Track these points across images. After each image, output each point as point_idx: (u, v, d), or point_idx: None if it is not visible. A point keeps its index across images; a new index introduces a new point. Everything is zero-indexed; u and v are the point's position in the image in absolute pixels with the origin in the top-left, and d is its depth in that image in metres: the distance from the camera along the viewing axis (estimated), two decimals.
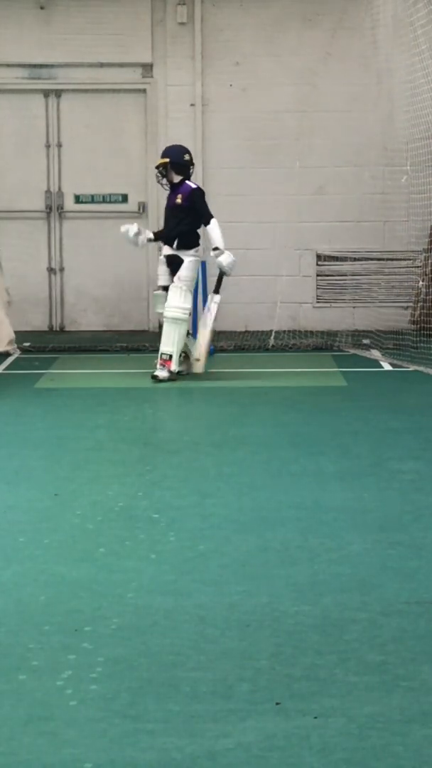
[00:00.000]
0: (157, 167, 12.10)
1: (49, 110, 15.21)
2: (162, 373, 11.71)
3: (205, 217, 11.92)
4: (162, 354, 11.76)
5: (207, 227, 11.90)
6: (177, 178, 11.99)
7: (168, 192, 12.16)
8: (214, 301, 12.05)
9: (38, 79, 15.14)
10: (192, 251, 11.91)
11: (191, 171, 12.16)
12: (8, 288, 13.66)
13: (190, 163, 12.10)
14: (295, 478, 7.97)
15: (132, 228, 12.13)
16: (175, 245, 11.90)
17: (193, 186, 12.03)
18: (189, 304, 11.82)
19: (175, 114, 15.00)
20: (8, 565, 6.22)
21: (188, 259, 11.86)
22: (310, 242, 15.00)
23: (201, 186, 12.40)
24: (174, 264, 11.89)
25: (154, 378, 11.71)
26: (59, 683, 4.71)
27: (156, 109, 15.08)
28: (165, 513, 7.15)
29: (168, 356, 11.71)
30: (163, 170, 12.02)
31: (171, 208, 12.05)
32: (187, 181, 12.02)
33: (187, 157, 12.04)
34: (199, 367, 12.03)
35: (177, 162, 11.96)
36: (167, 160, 11.98)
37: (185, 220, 11.92)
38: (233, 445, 9.06)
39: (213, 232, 11.85)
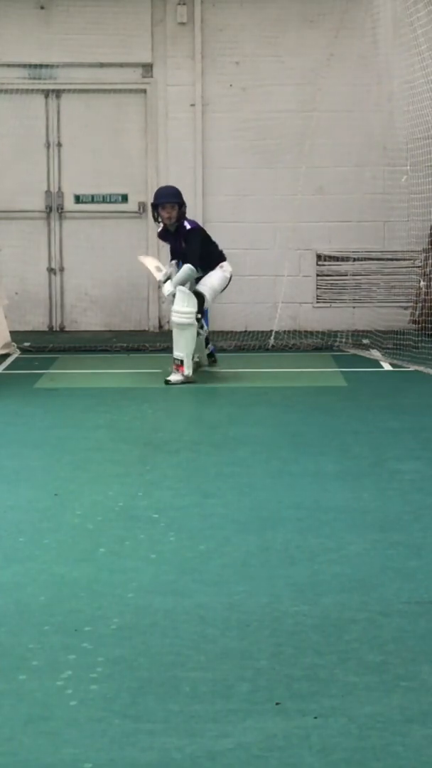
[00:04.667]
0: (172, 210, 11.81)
1: (49, 110, 15.21)
2: (175, 377, 11.67)
3: (189, 257, 11.71)
4: (174, 359, 11.74)
5: (183, 264, 11.74)
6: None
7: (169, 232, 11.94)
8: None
9: (38, 79, 15.13)
10: (217, 268, 11.89)
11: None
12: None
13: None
14: (295, 478, 7.97)
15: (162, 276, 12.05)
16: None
17: (188, 227, 11.81)
18: (193, 308, 11.60)
19: (175, 114, 15.00)
20: (8, 565, 6.22)
21: (215, 273, 11.88)
22: (310, 242, 15.00)
23: (198, 223, 12.16)
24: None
25: (167, 382, 11.64)
26: (59, 683, 4.71)
27: (156, 109, 15.07)
28: (165, 513, 7.15)
29: (180, 361, 11.68)
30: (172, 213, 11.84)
31: (180, 253, 11.87)
32: (185, 222, 11.87)
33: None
34: None
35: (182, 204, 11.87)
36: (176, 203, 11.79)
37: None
38: (233, 445, 9.05)
39: (181, 271, 11.67)
